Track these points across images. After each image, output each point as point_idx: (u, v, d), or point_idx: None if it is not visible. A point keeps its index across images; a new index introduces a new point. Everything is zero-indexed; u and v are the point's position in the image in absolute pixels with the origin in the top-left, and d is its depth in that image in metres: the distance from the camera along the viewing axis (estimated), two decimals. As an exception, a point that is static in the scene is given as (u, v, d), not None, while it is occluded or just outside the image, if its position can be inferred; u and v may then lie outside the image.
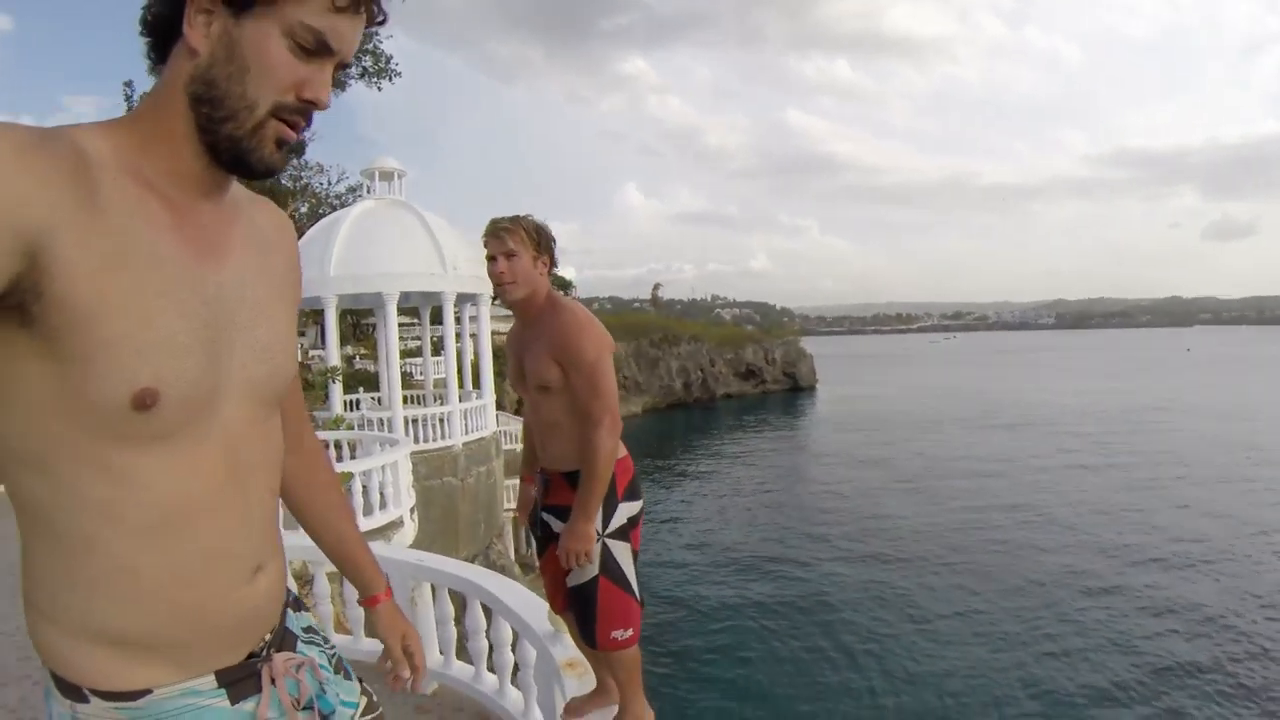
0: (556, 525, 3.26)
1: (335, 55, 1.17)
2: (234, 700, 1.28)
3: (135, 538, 1.14)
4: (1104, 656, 18.91)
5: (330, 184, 47.65)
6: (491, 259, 3.11)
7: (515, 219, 3.14)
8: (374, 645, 5.67)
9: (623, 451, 3.22)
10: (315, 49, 1.14)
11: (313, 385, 18.78)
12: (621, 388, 54.84)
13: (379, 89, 47.67)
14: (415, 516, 12.51)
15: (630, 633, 3.16)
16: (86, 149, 1.05)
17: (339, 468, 10.67)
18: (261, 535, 1.33)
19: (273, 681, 1.34)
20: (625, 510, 3.19)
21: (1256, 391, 71.90)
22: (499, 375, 39.90)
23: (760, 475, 39.74)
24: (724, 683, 17.72)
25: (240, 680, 1.30)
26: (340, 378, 19.20)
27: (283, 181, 46.18)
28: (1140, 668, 18.27)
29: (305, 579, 6.54)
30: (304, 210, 46.85)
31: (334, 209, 43.87)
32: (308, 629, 1.56)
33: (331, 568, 4.98)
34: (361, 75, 47.56)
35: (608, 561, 3.14)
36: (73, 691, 1.18)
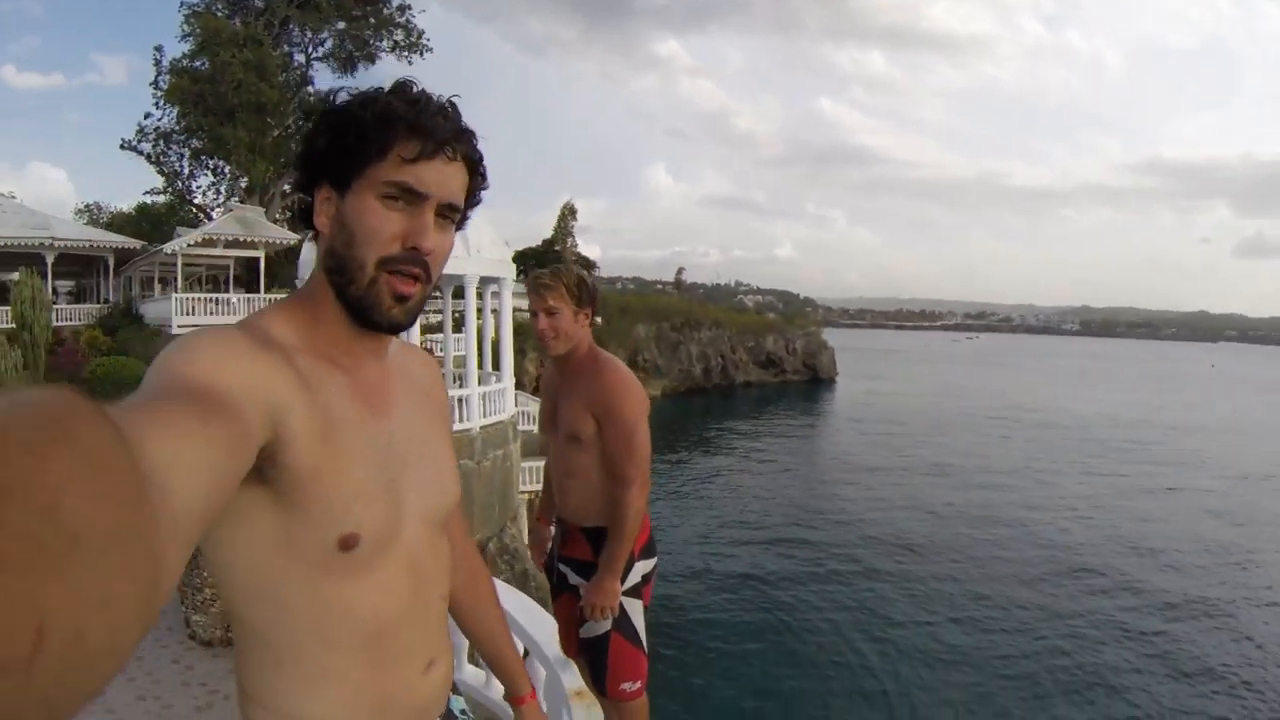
0: (573, 578, 3.33)
1: (429, 198, 1.30)
2: None
3: (339, 650, 1.35)
4: (1102, 648, 19.23)
5: (359, 159, 47.86)
6: (534, 314, 3.16)
7: (556, 273, 3.18)
8: (474, 675, 5.95)
9: (644, 507, 3.25)
10: (404, 198, 1.29)
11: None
12: (641, 370, 54.85)
13: (409, 63, 47.74)
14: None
15: (638, 685, 3.25)
16: (284, 340, 1.26)
17: None
18: (436, 635, 1.54)
19: None
20: (640, 568, 3.28)
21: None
22: (519, 354, 40.12)
23: (774, 465, 39.88)
24: (727, 661, 18.15)
25: None
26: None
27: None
28: (1148, 659, 18.41)
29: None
30: None
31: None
32: (462, 710, 1.76)
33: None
34: (393, 49, 47.89)
35: (621, 618, 3.21)
36: None
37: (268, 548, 1.24)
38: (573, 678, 3.73)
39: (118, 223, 48.04)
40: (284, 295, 1.53)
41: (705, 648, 18.96)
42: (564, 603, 3.44)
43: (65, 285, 39.70)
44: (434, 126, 1.28)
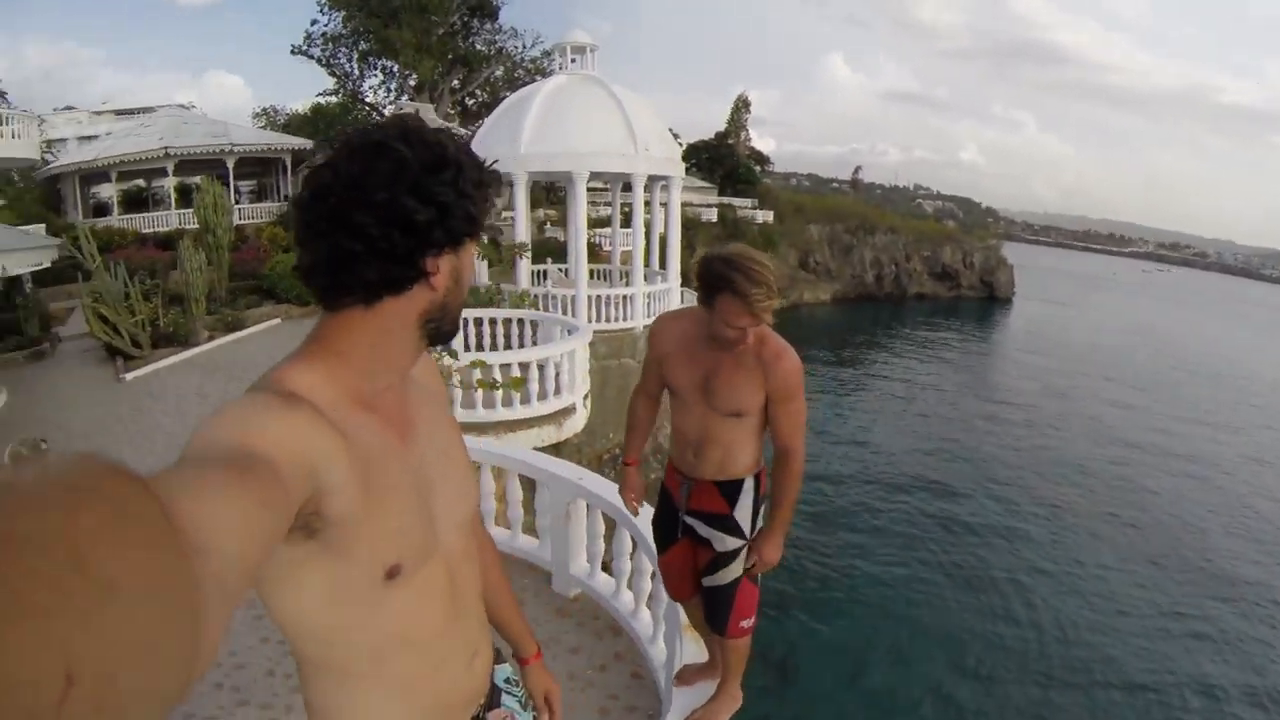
0: (702, 529, 3.36)
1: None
2: None
3: (393, 665, 1.46)
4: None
5: (525, 48, 48.31)
6: (741, 329, 2.97)
7: (768, 291, 2.93)
8: (527, 544, 6.27)
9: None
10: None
11: (500, 258, 19.17)
12: (812, 272, 54.31)
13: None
14: (588, 403, 12.72)
15: (753, 620, 3.39)
16: (312, 395, 1.28)
17: (516, 355, 11.14)
18: (476, 629, 1.68)
19: None
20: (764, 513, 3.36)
21: None
22: (687, 250, 40.03)
23: (936, 386, 38.41)
24: (848, 608, 17.48)
25: None
26: (529, 253, 19.53)
27: (477, 47, 47.30)
28: None
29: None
30: (499, 74, 47.88)
31: (528, 73, 44.47)
32: (506, 680, 1.90)
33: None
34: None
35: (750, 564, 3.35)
36: None
37: (321, 593, 1.31)
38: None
39: (294, 124, 49.54)
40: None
41: (817, 578, 18.71)
42: (683, 549, 3.49)
43: (247, 185, 41.78)
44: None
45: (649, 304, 18.78)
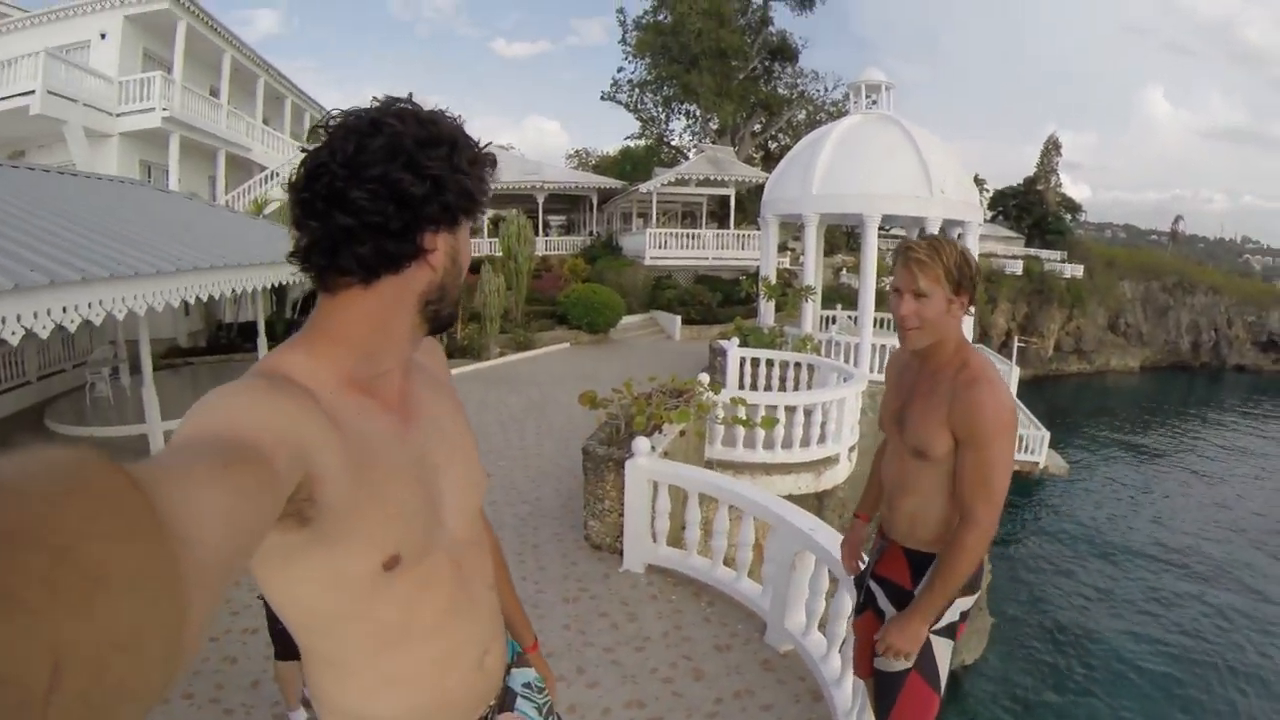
0: (881, 600, 2.99)
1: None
2: None
3: (393, 654, 1.43)
4: None
5: (826, 90, 48.79)
6: (897, 291, 2.71)
7: (934, 248, 2.66)
8: (749, 589, 6.22)
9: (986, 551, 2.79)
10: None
11: (788, 301, 19.22)
12: (1121, 335, 51.10)
13: (867, -5, 47.75)
14: (854, 456, 12.25)
15: None
16: (306, 379, 1.28)
17: (782, 397, 11.16)
18: (487, 625, 1.64)
19: None
20: (960, 605, 2.83)
21: None
22: (988, 303, 38.21)
23: (1252, 479, 32.23)
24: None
25: None
26: (816, 296, 19.46)
27: (778, 90, 48.25)
28: None
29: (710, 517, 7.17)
30: (800, 117, 48.55)
31: (830, 115, 44.61)
32: (526, 684, 1.85)
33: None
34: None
35: (925, 657, 2.81)
36: None
37: (319, 581, 1.29)
38: None
39: (604, 165, 53.91)
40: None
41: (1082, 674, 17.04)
42: (866, 620, 3.09)
43: (557, 219, 45.55)
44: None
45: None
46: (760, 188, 26.79)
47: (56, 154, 20.74)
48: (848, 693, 4.77)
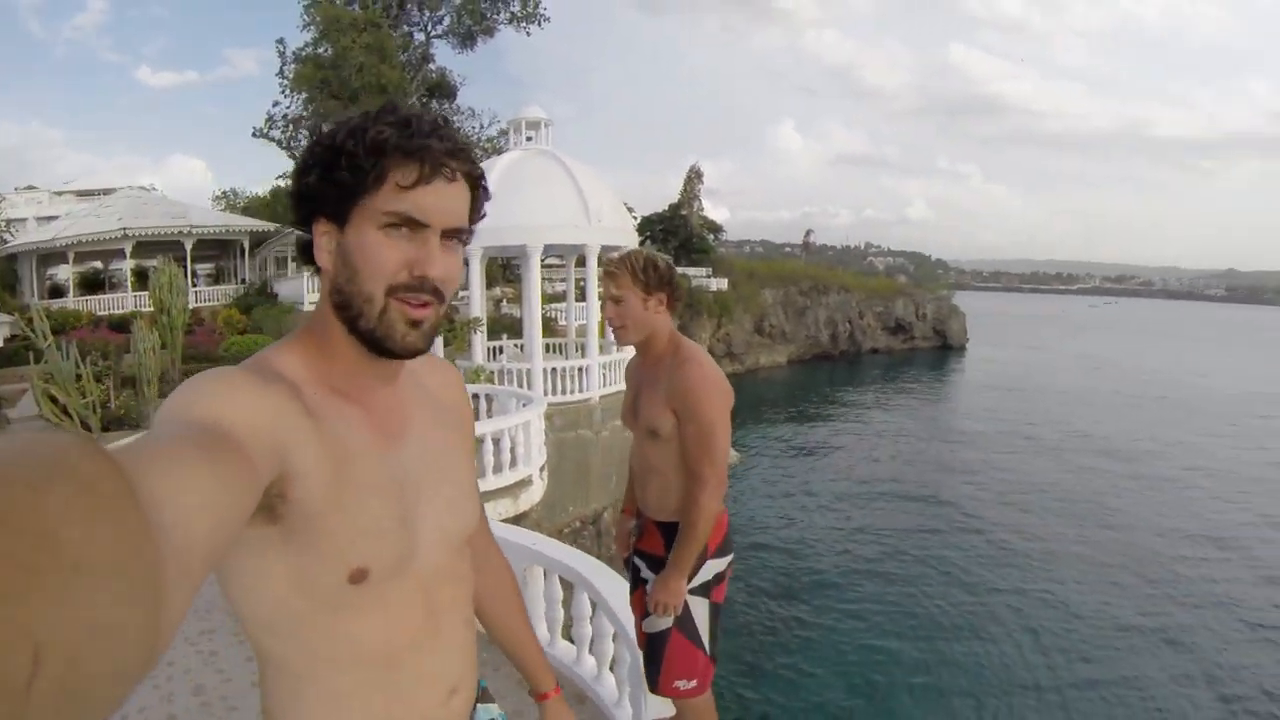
0: (645, 572, 3.26)
1: (429, 226, 1.28)
2: None
3: (353, 676, 1.35)
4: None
5: (482, 128, 48.77)
6: (603, 301, 3.08)
7: (622, 259, 3.05)
8: (566, 651, 5.79)
9: (720, 507, 3.13)
10: (405, 226, 1.27)
11: (455, 335, 19.30)
12: (767, 336, 55.10)
13: (528, 33, 48.39)
14: (545, 475, 12.69)
15: (694, 684, 3.15)
16: (291, 375, 1.26)
17: (476, 428, 10.88)
18: (457, 662, 1.53)
19: None
20: (712, 567, 3.16)
21: None
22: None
23: (896, 436, 39.05)
24: (813, 641, 17.72)
25: None
26: (484, 328, 19.69)
27: None
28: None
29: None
30: None
31: (486, 152, 44.67)
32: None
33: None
34: (510, 21, 48.32)
35: (683, 615, 3.12)
36: None
37: (280, 584, 1.25)
38: None
39: (254, 206, 50.17)
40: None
41: (796, 624, 18.73)
42: (638, 595, 3.38)
43: (205, 268, 42.30)
44: (428, 148, 1.26)
45: (605, 375, 18.82)
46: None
47: None
48: (610, 685, 4.95)
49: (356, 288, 1.28)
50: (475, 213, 1.39)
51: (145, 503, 0.59)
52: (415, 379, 1.51)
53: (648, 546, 3.26)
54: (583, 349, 20.15)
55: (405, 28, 47.03)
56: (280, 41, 45.33)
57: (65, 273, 38.07)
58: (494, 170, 19.00)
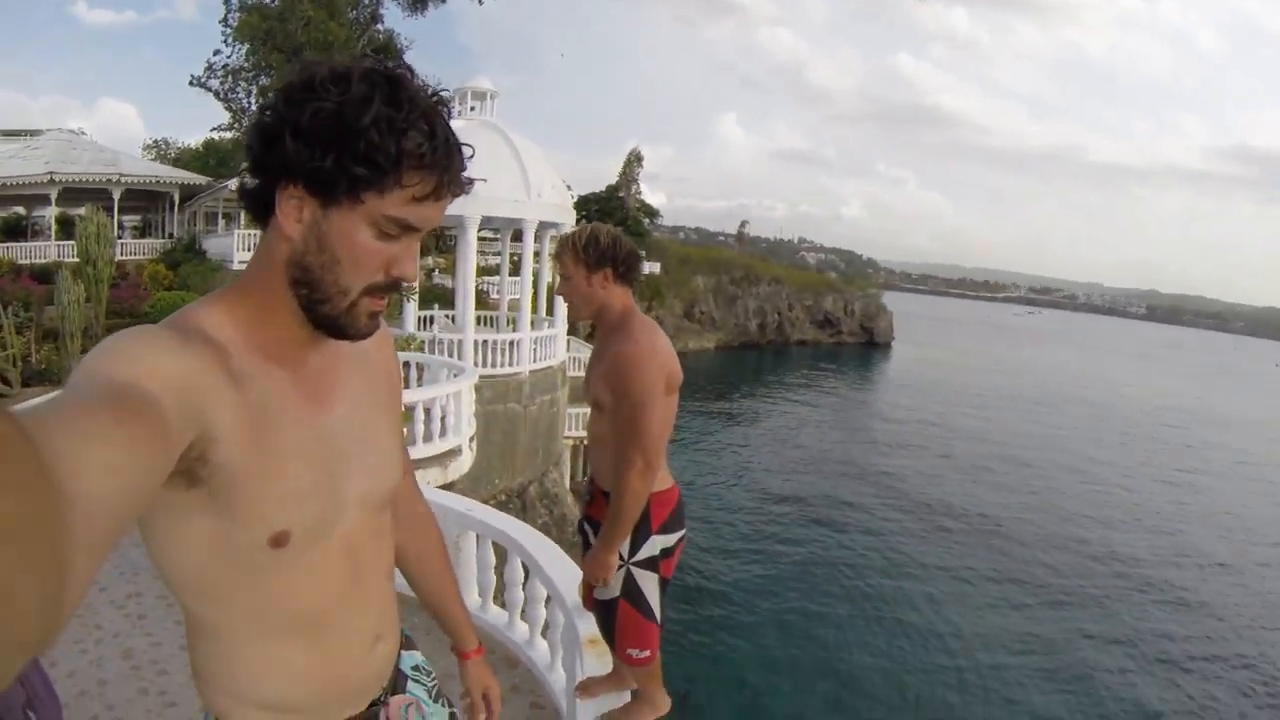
0: (591, 538, 3.25)
1: (420, 232, 1.26)
2: None
3: (280, 636, 1.38)
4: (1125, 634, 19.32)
5: (428, 99, 48.06)
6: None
7: (565, 237, 3.04)
8: (498, 616, 5.73)
9: (668, 483, 3.16)
10: (400, 234, 1.23)
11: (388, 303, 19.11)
12: (697, 322, 55.65)
13: (480, 2, 47.77)
14: (474, 445, 12.64)
15: (647, 653, 3.18)
16: (217, 336, 1.20)
17: (408, 396, 10.84)
18: (380, 613, 1.57)
19: None
20: (659, 542, 3.15)
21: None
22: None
23: (819, 425, 40.28)
24: (744, 620, 18.49)
25: None
26: (416, 296, 19.56)
27: None
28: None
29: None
30: None
31: (429, 122, 43.96)
32: (415, 667, 1.79)
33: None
34: (461, -12, 47.55)
35: (630, 587, 3.14)
36: None
37: (204, 547, 1.24)
38: (588, 626, 3.73)
39: (185, 158, 48.25)
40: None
41: (725, 605, 19.21)
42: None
43: (131, 220, 40.63)
44: (451, 169, 1.23)
45: (535, 349, 18.72)
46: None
47: None
48: (543, 649, 4.97)
49: (332, 277, 1.23)
50: None
51: (52, 467, 0.59)
52: (354, 345, 1.45)
53: (596, 514, 3.25)
54: (514, 323, 20.05)
55: (356, -16, 45.97)
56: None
57: (-14, 216, 35.95)
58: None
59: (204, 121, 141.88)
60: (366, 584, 1.50)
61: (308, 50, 39.83)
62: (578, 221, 19.98)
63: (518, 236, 20.52)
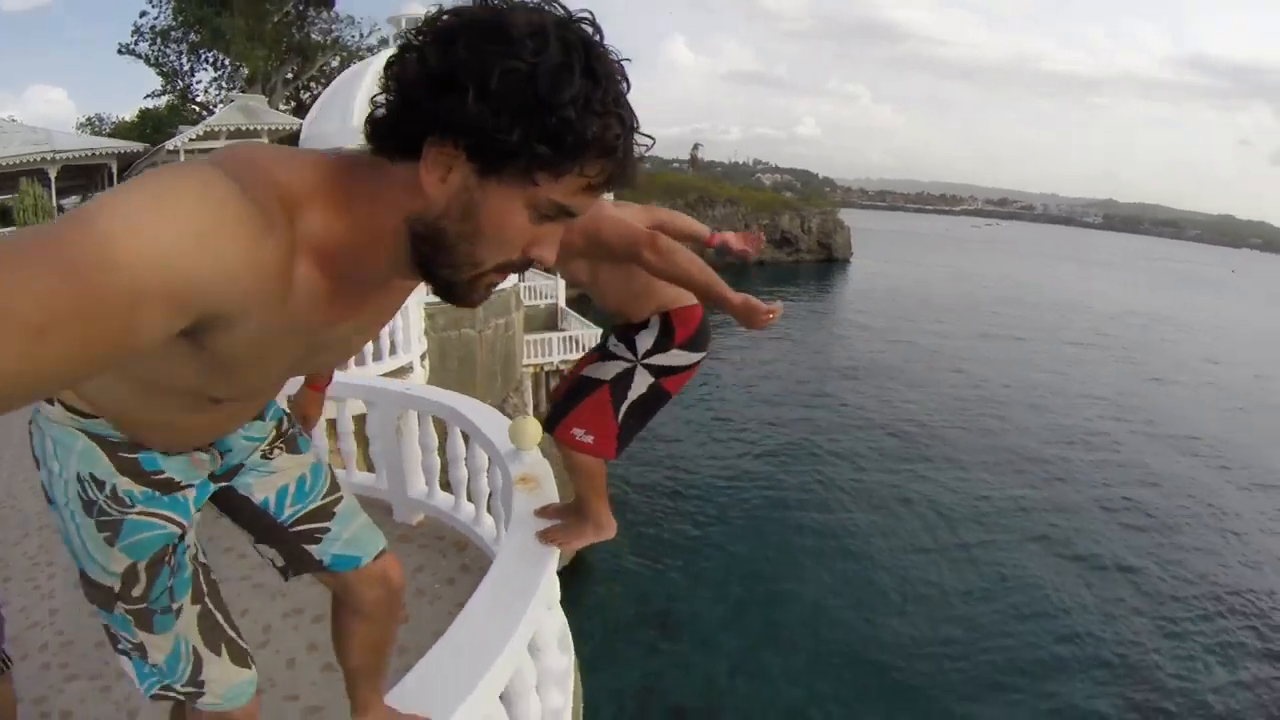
0: (613, 341, 3.12)
1: (576, 218, 1.13)
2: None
3: (182, 417, 1.51)
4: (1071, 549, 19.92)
5: (361, 37, 47.41)
6: None
7: None
8: (364, 479, 5.87)
9: (692, 300, 3.05)
10: (556, 217, 1.11)
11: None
12: (653, 250, 56.94)
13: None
14: (426, 363, 12.63)
15: (591, 440, 3.05)
16: (303, 230, 1.07)
17: None
18: (252, 412, 1.73)
19: None
20: (676, 356, 3.06)
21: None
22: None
23: (779, 344, 40.19)
24: (692, 553, 18.49)
25: None
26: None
27: (313, 36, 46.04)
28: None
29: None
30: (334, 64, 46.67)
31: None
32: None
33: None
34: (393, -71, 46.57)
35: (622, 380, 3.04)
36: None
37: (139, 386, 1.35)
38: (518, 465, 3.76)
39: (121, 131, 46.25)
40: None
41: (672, 528, 19.56)
42: (584, 359, 3.24)
43: (70, 200, 39.61)
44: (632, 160, 1.12)
45: (490, 274, 18.74)
46: (296, 137, 26.03)
47: None
48: (489, 524, 4.99)
49: (469, 248, 1.11)
50: None
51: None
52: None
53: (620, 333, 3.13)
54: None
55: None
56: None
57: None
58: (372, 66, 18.79)
59: (137, 91, 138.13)
60: (251, 412, 1.67)
61: (235, 1, 38.95)
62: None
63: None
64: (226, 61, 44.10)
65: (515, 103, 0.98)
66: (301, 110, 42.02)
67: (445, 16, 1.04)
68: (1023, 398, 31.47)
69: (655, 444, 23.70)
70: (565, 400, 3.11)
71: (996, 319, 52.22)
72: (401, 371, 11.38)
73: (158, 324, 0.87)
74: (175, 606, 1.67)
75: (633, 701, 13.95)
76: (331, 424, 6.36)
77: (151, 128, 42.81)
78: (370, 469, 6.03)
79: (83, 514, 1.54)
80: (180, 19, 41.80)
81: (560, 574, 3.47)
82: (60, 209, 34.22)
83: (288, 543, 1.91)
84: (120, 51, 43.57)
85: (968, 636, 15.85)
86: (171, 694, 1.74)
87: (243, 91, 38.80)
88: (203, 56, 44.80)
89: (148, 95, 47.14)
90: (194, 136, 30.47)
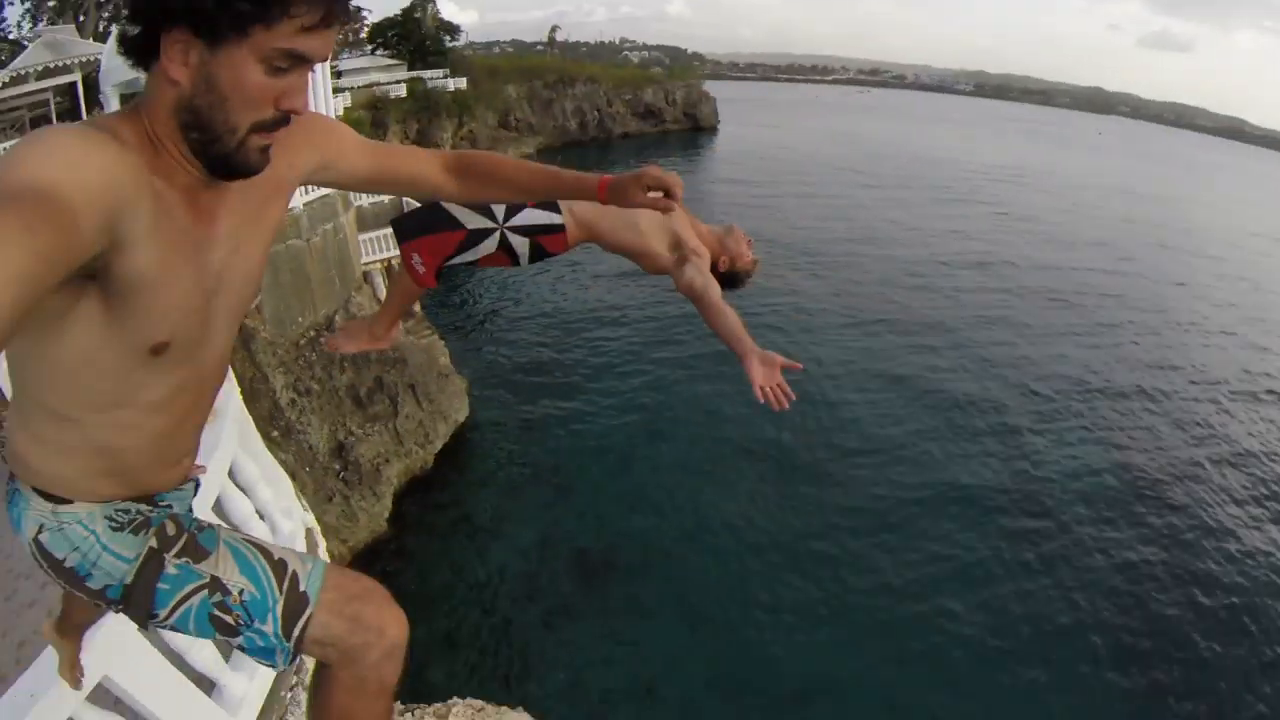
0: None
1: (311, 63, 1.26)
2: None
3: (117, 429, 1.46)
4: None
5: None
6: None
7: None
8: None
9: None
10: (290, 66, 1.23)
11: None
12: (514, 130, 55.29)
13: None
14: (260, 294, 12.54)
15: (423, 270, 3.04)
16: (139, 159, 1.20)
17: None
18: (193, 436, 1.70)
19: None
20: (537, 216, 3.01)
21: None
22: (377, 127, 38.13)
23: None
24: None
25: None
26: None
27: None
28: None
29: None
30: None
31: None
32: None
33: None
34: None
35: (478, 235, 2.99)
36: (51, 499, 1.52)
37: (82, 349, 1.28)
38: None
39: None
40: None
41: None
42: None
43: None
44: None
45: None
46: (114, 65, 24.47)
47: None
48: None
49: (221, 115, 1.24)
50: None
51: None
52: None
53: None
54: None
55: None
56: None
57: None
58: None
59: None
60: (201, 402, 1.60)
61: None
62: (372, 51, 19.09)
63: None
64: (31, -12, 40.69)
65: None
66: (129, 51, 39.31)
67: None
68: (899, 244, 32.22)
69: (529, 321, 24.75)
70: (423, 222, 3.05)
71: (872, 175, 53.92)
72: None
73: (81, 226, 1.03)
74: (208, 523, 1.71)
75: (536, 552, 14.78)
76: None
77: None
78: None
79: (103, 525, 1.56)
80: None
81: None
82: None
83: None
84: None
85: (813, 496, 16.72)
86: (294, 635, 1.59)
87: (51, 24, 36.37)
88: (6, -12, 41.22)
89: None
90: (3, 84, 27.49)
